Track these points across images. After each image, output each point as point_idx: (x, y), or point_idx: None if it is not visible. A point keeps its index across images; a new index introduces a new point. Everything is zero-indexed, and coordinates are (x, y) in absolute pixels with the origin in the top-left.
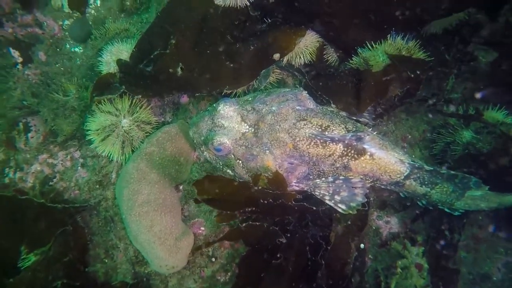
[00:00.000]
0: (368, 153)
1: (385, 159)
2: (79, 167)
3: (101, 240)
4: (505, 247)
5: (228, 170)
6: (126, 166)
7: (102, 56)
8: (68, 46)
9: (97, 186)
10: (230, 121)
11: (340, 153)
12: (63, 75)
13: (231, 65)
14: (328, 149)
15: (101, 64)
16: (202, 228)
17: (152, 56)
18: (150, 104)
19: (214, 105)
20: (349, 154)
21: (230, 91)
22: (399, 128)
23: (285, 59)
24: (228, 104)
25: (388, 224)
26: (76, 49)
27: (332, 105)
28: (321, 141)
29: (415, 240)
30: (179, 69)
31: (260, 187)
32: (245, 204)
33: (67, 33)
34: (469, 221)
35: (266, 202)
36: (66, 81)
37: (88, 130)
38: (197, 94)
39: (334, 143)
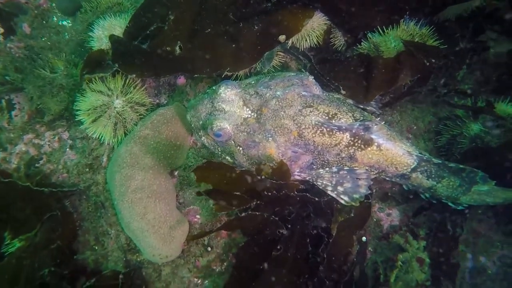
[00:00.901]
0: (376, 144)
1: (393, 151)
2: (67, 149)
3: (91, 226)
4: (501, 241)
5: (227, 157)
6: (119, 150)
7: (93, 31)
8: (55, 19)
9: (87, 170)
10: (231, 105)
11: (347, 143)
12: (50, 50)
13: (233, 45)
14: (334, 138)
15: (92, 40)
16: (198, 216)
17: (148, 32)
18: (144, 85)
19: (214, 87)
20: (356, 144)
21: (231, 73)
22: (405, 119)
23: (290, 42)
24: (229, 87)
25: (389, 216)
26: (64, 23)
27: (342, 91)
28: (328, 129)
29: (417, 233)
30: (177, 48)
31: (263, 177)
32: (246, 194)
33: (54, 5)
34: (470, 216)
35: (269, 193)
36: (53, 57)
37: (78, 110)
38: (196, 76)
39: (341, 132)
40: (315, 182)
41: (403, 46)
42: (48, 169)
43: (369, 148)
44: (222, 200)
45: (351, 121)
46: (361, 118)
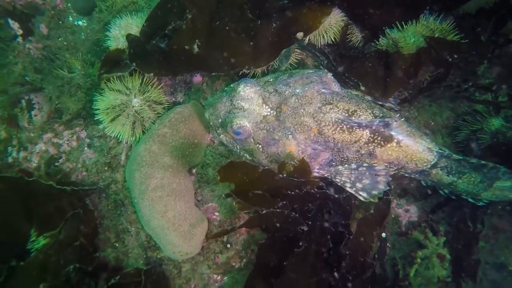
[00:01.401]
0: (395, 140)
1: (413, 147)
2: (85, 148)
3: (111, 224)
4: None
5: (246, 155)
6: (137, 148)
7: (110, 31)
8: (71, 18)
9: (106, 168)
10: (251, 103)
11: (367, 140)
12: (67, 50)
13: (251, 43)
14: (354, 135)
15: (108, 39)
16: (217, 214)
17: (166, 31)
18: (160, 83)
19: (233, 85)
20: (376, 141)
21: (249, 71)
22: (422, 114)
23: (307, 39)
24: (248, 85)
25: (407, 212)
26: (80, 22)
27: (362, 88)
28: (348, 126)
29: (436, 230)
30: (195, 46)
31: (284, 175)
32: (269, 193)
33: (69, 5)
34: (490, 211)
35: (292, 192)
36: (70, 57)
37: (96, 109)
38: (213, 74)
39: (361, 129)
40: (333, 179)
41: (424, 42)
42: (68, 167)
43: (388, 145)
44: (249, 202)
45: (371, 118)
46: (381, 114)
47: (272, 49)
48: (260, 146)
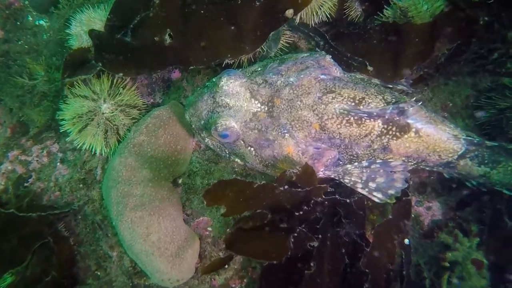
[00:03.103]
0: (413, 130)
1: (435, 136)
2: (58, 163)
3: (90, 249)
4: None
5: (236, 159)
6: (112, 162)
7: (71, 28)
8: (30, 18)
9: (81, 186)
10: (237, 98)
11: (379, 132)
12: (27, 54)
13: (232, 27)
14: (364, 128)
15: (70, 38)
16: (209, 229)
17: (133, 24)
18: (135, 83)
19: (215, 79)
20: (390, 132)
21: (233, 61)
22: (438, 95)
23: (297, 17)
24: (232, 78)
25: (429, 210)
26: (41, 22)
27: (369, 68)
28: (355, 118)
29: (467, 230)
30: (167, 37)
31: (286, 187)
32: (269, 210)
33: (26, 2)
34: None
35: (300, 212)
36: (31, 61)
37: (61, 120)
38: (192, 67)
39: (371, 120)
40: (342, 180)
41: (440, 8)
42: (39, 188)
43: (406, 136)
44: (250, 254)
45: (382, 105)
46: (393, 100)
47: (258, 33)
48: (252, 149)
